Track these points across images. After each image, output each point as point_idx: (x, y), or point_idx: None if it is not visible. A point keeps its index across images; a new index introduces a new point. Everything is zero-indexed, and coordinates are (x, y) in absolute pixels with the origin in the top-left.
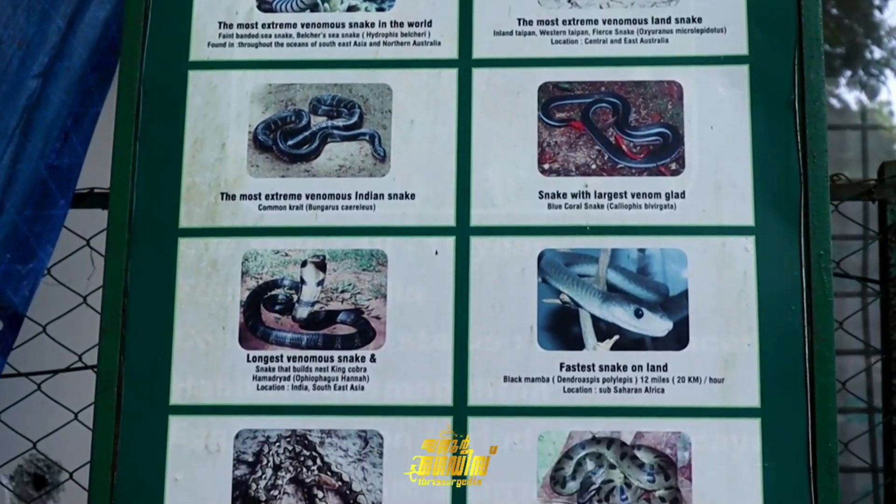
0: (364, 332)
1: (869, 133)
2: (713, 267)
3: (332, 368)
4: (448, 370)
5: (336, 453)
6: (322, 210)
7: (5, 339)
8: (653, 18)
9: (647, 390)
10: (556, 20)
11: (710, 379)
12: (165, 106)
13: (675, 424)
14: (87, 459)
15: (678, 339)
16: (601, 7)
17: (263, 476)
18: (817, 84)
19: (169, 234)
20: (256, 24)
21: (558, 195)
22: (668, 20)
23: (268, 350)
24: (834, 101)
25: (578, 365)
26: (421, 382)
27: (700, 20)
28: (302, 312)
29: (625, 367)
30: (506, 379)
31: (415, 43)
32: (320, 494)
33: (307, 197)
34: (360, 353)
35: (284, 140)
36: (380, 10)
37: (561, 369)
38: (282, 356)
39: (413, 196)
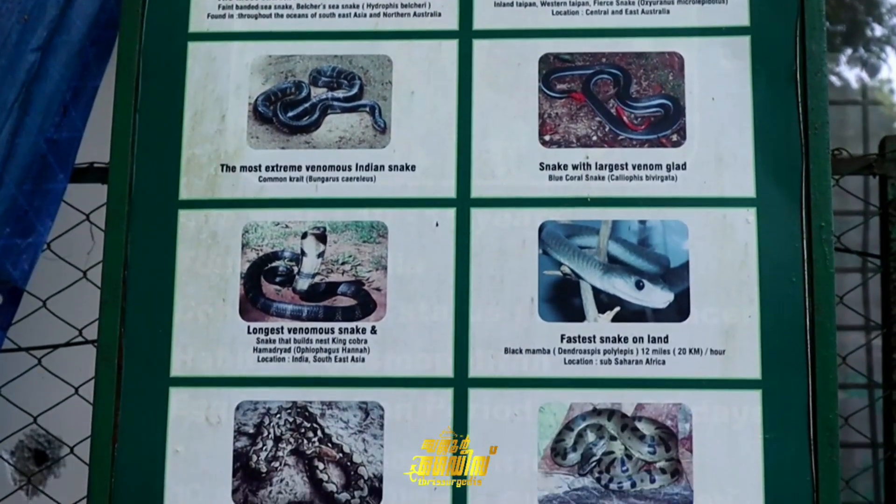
0: (365, 304)
1: (870, 110)
2: (714, 239)
3: (333, 340)
4: (449, 342)
5: (337, 425)
6: (322, 182)
7: (5, 313)
8: None
9: (647, 362)
10: None
11: (711, 350)
12: (165, 77)
13: (676, 396)
14: (88, 434)
15: (679, 310)
16: None
17: (264, 448)
18: (819, 55)
19: (169, 205)
20: None
21: (559, 167)
22: None
23: (268, 322)
24: (834, 79)
25: (579, 336)
26: (422, 354)
27: None
28: (302, 284)
29: (626, 339)
30: (506, 351)
31: (415, 14)
32: (321, 466)
33: (307, 168)
34: (360, 324)
35: (284, 111)
36: None
37: (562, 341)
38: (282, 328)
39: (413, 168)
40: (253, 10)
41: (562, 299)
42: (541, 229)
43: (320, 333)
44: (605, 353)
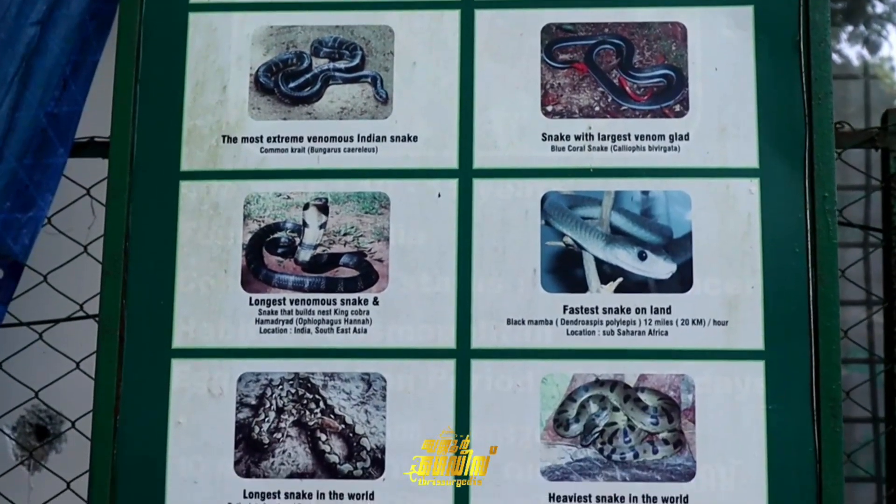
0: (367, 275)
1: (871, 85)
2: (717, 209)
3: (335, 311)
4: (451, 313)
5: (339, 396)
6: (324, 153)
7: (6, 288)
8: None
9: (650, 333)
10: None
11: (714, 321)
12: (166, 48)
13: (679, 367)
14: (89, 409)
15: (682, 281)
16: None
17: (266, 419)
18: (822, 25)
19: (170, 177)
20: None
21: (562, 137)
22: None
23: (270, 293)
24: (835, 56)
25: (582, 307)
26: (424, 325)
27: None
28: (304, 255)
29: (628, 310)
30: (509, 322)
31: None
32: (323, 437)
33: (309, 139)
34: (362, 295)
35: (286, 82)
36: None
37: (564, 312)
38: (284, 299)
39: (415, 138)
40: None
41: (564, 270)
42: (543, 200)
43: (322, 305)
44: (607, 324)
